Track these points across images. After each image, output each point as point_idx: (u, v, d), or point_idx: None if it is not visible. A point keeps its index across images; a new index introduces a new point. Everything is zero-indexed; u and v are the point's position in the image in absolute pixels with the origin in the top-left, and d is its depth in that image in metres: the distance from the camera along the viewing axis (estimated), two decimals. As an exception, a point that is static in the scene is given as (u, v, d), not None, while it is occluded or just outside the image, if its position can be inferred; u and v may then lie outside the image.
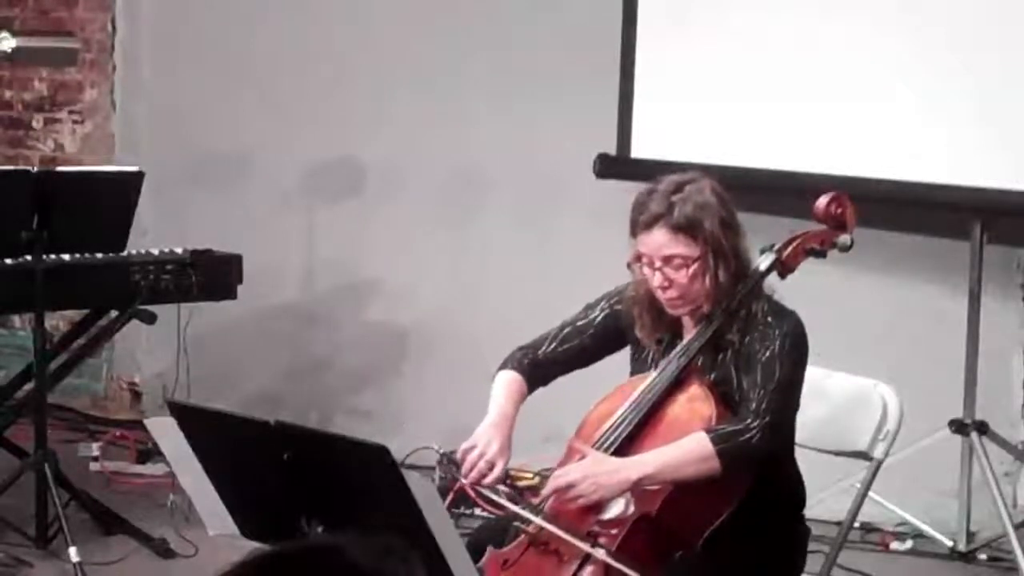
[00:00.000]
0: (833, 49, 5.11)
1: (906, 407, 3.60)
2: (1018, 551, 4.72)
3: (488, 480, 3.28)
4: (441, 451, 3.34)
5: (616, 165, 5.56)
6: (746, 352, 3.23)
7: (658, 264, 3.24)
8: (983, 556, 5.05)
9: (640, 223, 3.26)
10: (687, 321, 3.34)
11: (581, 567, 3.14)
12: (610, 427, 3.27)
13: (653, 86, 5.54)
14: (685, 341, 3.31)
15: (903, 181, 4.95)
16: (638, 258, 3.29)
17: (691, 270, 3.23)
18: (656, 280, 3.25)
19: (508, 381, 3.45)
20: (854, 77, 5.06)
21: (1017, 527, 4.82)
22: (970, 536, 5.08)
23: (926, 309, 5.33)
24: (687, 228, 3.22)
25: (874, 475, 3.61)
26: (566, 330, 3.48)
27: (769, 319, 3.24)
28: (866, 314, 5.39)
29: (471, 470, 3.28)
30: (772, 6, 5.30)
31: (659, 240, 3.23)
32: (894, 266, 5.37)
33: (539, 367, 3.47)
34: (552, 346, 3.48)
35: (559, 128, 5.84)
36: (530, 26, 5.91)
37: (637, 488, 3.14)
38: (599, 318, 3.47)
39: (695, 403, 3.23)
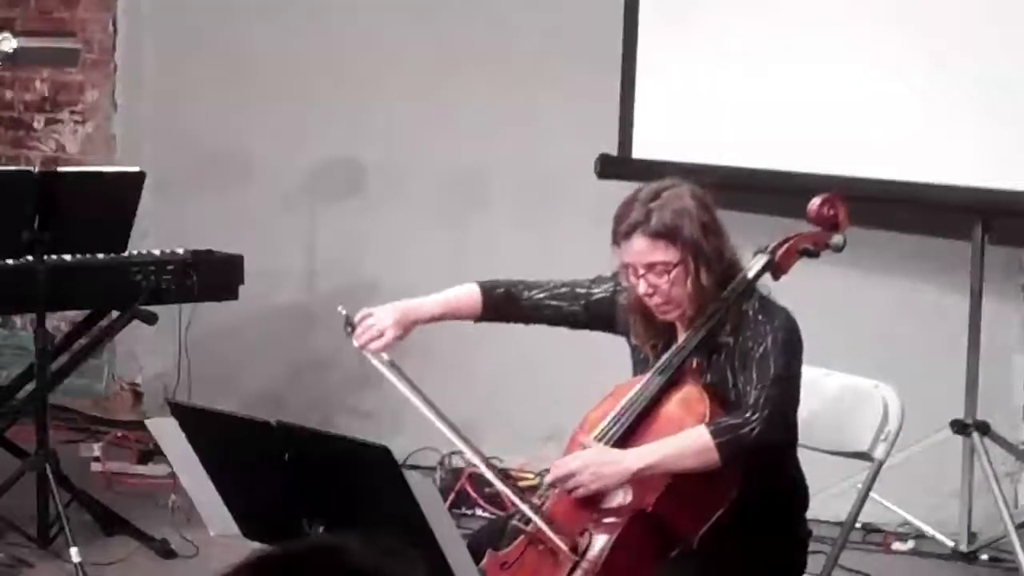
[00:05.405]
0: (833, 49, 5.11)
1: (907, 407, 3.60)
2: (1019, 551, 4.71)
3: (374, 346, 3.47)
4: (344, 312, 3.46)
5: (617, 165, 5.56)
6: (741, 351, 3.25)
7: (641, 271, 3.28)
8: (985, 556, 5.05)
9: (620, 232, 3.29)
10: (679, 324, 3.36)
11: (576, 567, 3.15)
12: (605, 426, 3.29)
13: (653, 86, 5.54)
14: (677, 344, 3.33)
15: (903, 181, 4.94)
16: (624, 267, 3.32)
17: (672, 275, 3.25)
18: (641, 288, 3.29)
19: (463, 291, 3.59)
20: (854, 77, 5.06)
21: (1019, 527, 4.81)
22: (972, 536, 5.08)
23: (927, 309, 5.33)
24: (665, 234, 3.24)
25: (875, 475, 3.60)
26: (564, 289, 3.54)
27: (760, 316, 3.26)
28: (866, 314, 5.38)
29: (363, 334, 3.47)
30: (772, 6, 5.29)
31: (639, 248, 3.26)
32: (894, 266, 5.37)
33: (511, 303, 3.55)
34: (542, 296, 3.54)
35: (559, 128, 5.84)
36: (530, 26, 5.91)
37: (636, 479, 3.16)
38: (599, 295, 3.51)
39: (689, 402, 3.25)
